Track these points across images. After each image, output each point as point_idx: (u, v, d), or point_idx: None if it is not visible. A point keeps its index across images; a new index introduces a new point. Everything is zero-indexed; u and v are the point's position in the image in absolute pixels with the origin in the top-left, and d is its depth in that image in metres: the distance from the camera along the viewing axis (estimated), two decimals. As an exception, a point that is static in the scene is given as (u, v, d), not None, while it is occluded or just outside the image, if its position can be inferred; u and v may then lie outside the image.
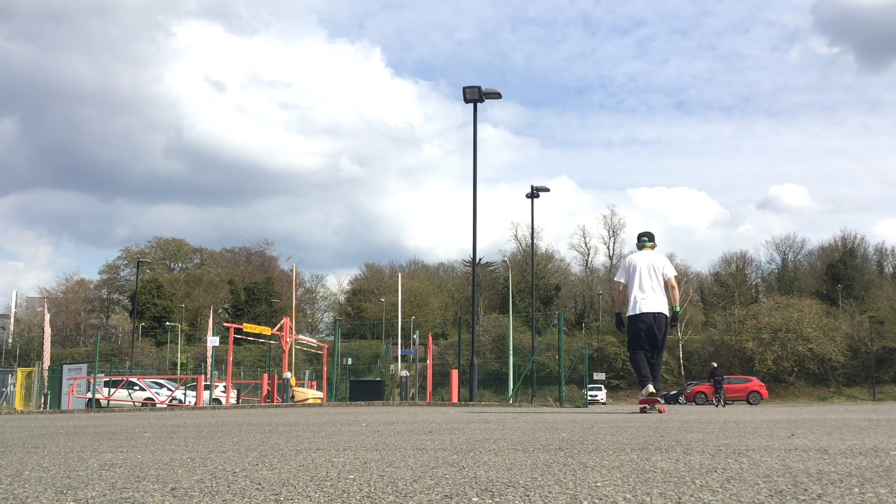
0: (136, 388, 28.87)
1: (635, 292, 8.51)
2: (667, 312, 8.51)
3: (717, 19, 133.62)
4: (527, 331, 55.21)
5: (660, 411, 8.42)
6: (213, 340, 30.56)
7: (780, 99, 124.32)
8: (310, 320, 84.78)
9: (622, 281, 8.73)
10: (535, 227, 37.35)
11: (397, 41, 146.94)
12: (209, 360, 32.41)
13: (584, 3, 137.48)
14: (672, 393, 48.42)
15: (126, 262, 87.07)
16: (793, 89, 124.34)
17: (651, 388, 8.33)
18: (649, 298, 8.44)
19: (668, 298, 8.60)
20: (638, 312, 8.43)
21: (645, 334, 8.40)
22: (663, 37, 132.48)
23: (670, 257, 79.30)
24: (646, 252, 8.85)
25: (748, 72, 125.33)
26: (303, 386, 28.15)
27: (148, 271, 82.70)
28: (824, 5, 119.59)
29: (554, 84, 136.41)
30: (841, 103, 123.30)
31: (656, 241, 9.17)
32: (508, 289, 43.83)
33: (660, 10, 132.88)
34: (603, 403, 47.10)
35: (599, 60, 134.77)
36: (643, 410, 8.55)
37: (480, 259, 74.66)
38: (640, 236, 9.11)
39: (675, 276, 8.79)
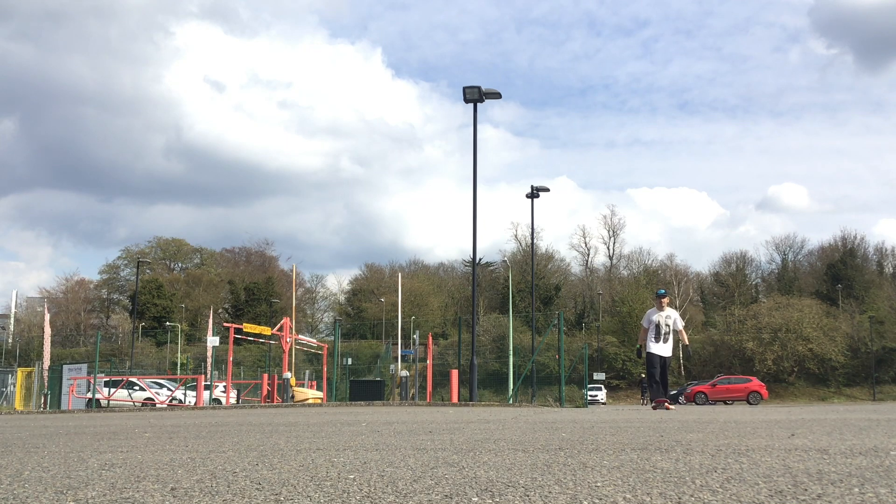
0: (136, 388, 28.87)
1: (651, 337, 12.21)
2: (669, 354, 12.24)
3: (721, 20, 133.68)
4: (527, 331, 55.20)
5: (667, 408, 11.77)
6: (213, 340, 30.53)
7: (784, 99, 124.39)
8: (310, 320, 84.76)
9: (644, 326, 12.38)
10: (535, 227, 37.38)
11: (402, 42, 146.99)
12: (209, 360, 32.38)
13: (588, 3, 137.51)
14: (672, 393, 48.32)
15: (126, 262, 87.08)
16: (796, 90, 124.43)
17: (651, 406, 12.22)
18: (660, 345, 12.10)
19: (679, 340, 12.47)
20: (651, 352, 12.17)
21: (657, 364, 12.28)
22: (667, 37, 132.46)
23: (670, 258, 79.32)
24: (665, 309, 12.34)
25: (752, 72, 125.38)
26: (303, 386, 28.15)
27: (148, 271, 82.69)
28: (821, 7, 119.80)
29: (557, 84, 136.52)
30: (844, 104, 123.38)
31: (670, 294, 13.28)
32: (508, 289, 43.82)
33: (664, 11, 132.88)
34: (603, 403, 47.06)
35: (603, 61, 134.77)
36: (655, 408, 11.93)
37: (480, 259, 74.67)
38: (657, 293, 12.73)
39: (683, 327, 12.54)
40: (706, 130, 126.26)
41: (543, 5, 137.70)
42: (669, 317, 12.30)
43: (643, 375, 55.66)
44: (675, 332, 12.36)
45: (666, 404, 12.09)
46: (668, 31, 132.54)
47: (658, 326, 12.18)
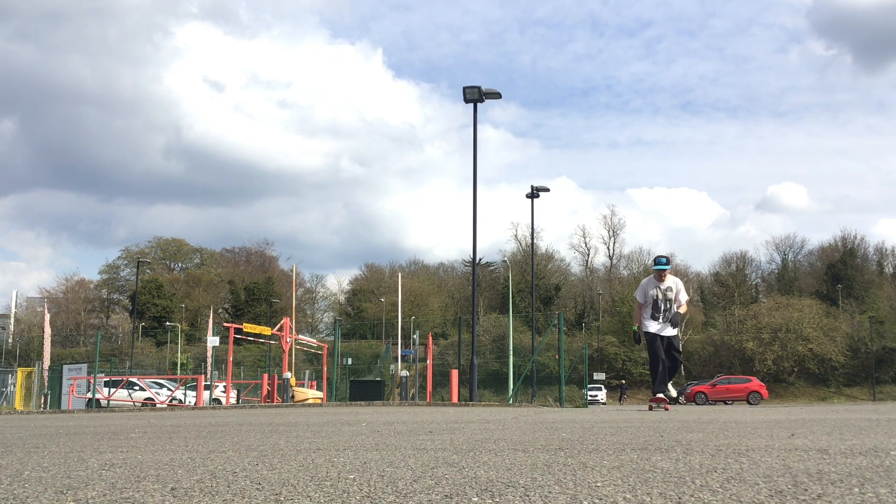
0: (136, 388, 28.87)
1: (647, 315, 9.84)
2: (674, 334, 9.84)
3: (723, 21, 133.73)
4: (527, 331, 55.21)
5: (665, 408, 9.53)
6: (213, 340, 30.54)
7: (786, 100, 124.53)
8: (310, 320, 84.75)
9: (639, 300, 9.97)
10: (535, 227, 37.39)
11: (405, 42, 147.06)
12: (209, 360, 32.39)
13: (591, 4, 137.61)
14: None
15: (126, 262, 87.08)
16: (798, 90, 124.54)
17: (648, 405, 10.01)
18: (661, 324, 9.74)
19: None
20: (650, 332, 9.75)
21: (660, 347, 9.78)
22: (670, 38, 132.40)
23: (670, 258, 79.16)
24: (666, 279, 9.89)
25: (754, 73, 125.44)
26: (303, 386, 28.15)
27: (148, 271, 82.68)
28: (819, 9, 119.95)
29: (560, 85, 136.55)
30: (846, 104, 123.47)
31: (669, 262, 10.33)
32: (508, 289, 43.83)
33: (667, 12, 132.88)
34: (603, 403, 47.09)
35: (606, 61, 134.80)
36: (651, 408, 9.74)
37: (480, 259, 74.68)
38: (657, 262, 10.01)
39: (686, 301, 10.08)
40: (708, 131, 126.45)
41: (546, 6, 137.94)
42: (671, 289, 9.84)
43: (623, 382, 58.93)
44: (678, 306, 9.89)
45: (665, 405, 9.66)
46: (671, 32, 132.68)
47: (656, 302, 9.77)
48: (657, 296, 9.76)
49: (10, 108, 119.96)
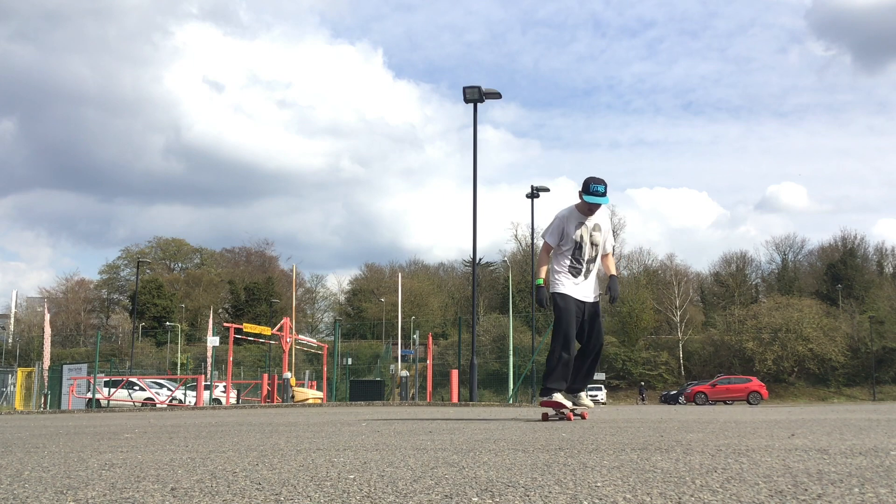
0: (136, 388, 28.88)
1: (565, 266, 6.83)
2: (596, 298, 7.02)
3: (725, 21, 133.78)
4: (527, 331, 55.22)
5: (569, 417, 6.57)
6: (213, 340, 30.58)
7: (787, 100, 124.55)
8: (310, 320, 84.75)
9: (550, 242, 6.82)
10: (535, 227, 37.36)
11: (407, 42, 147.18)
12: (209, 360, 32.40)
13: (594, 4, 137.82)
14: (672, 393, 48.52)
15: (126, 262, 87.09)
16: (799, 90, 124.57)
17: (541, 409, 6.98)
18: (581, 282, 6.88)
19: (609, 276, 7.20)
20: (565, 293, 6.83)
21: (575, 319, 6.89)
22: (672, 38, 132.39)
23: (670, 258, 78.71)
24: (595, 215, 6.68)
25: (756, 73, 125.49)
26: (303, 386, 28.16)
27: (148, 271, 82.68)
28: (817, 10, 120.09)
29: (562, 85, 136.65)
30: (847, 105, 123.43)
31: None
32: (508, 289, 43.84)
33: (669, 12, 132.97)
34: (603, 403, 47.09)
35: (608, 62, 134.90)
36: (546, 415, 6.74)
37: (480, 259, 74.64)
38: (589, 188, 6.41)
39: (612, 250, 7.19)
40: (710, 131, 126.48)
41: (549, 6, 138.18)
42: (599, 227, 6.64)
43: (642, 383, 58.91)
44: (602, 260, 6.88)
45: (566, 410, 6.45)
46: (673, 32, 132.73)
47: (580, 247, 6.57)
48: (582, 237, 6.55)
49: (10, 108, 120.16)
